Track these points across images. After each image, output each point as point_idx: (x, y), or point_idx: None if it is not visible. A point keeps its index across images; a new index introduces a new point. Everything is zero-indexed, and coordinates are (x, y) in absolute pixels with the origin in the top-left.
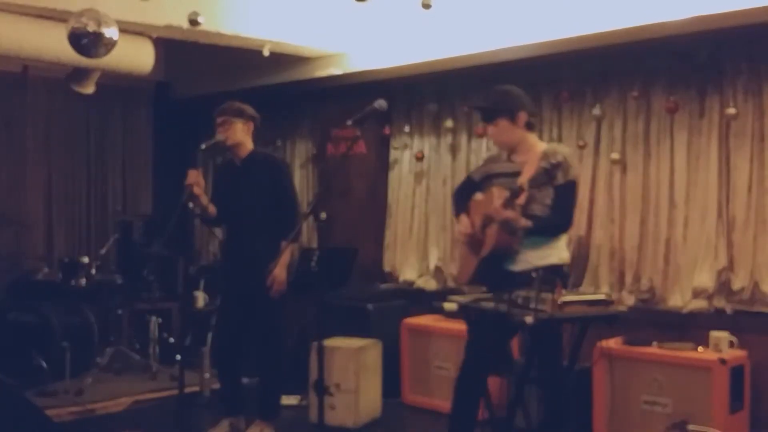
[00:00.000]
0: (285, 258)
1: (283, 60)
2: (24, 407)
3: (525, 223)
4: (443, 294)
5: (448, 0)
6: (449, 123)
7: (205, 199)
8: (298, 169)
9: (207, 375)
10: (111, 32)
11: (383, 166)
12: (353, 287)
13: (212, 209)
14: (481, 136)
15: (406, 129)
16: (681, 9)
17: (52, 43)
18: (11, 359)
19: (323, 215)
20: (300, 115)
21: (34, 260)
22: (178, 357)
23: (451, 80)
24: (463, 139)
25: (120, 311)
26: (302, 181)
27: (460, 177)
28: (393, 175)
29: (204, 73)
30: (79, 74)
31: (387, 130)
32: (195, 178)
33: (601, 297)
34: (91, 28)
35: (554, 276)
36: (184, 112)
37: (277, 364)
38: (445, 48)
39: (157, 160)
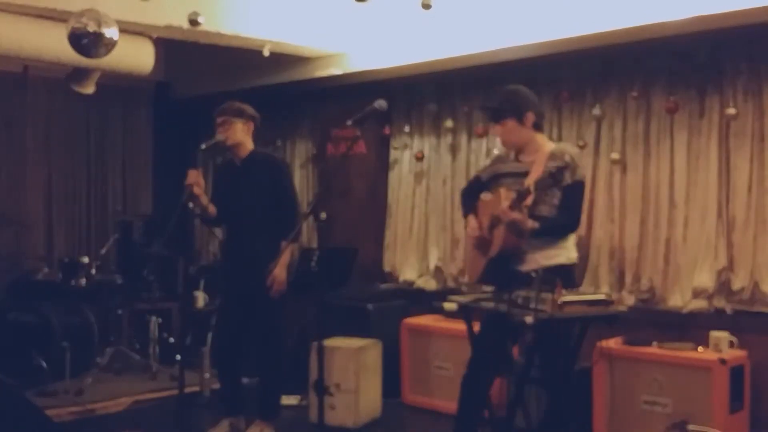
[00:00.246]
0: (285, 258)
1: (283, 60)
2: (24, 407)
3: (532, 224)
4: (443, 294)
5: (448, 0)
6: (449, 123)
7: (205, 199)
8: (298, 169)
9: (207, 375)
10: (111, 32)
11: (383, 166)
12: (353, 287)
13: (212, 209)
14: (481, 136)
15: (406, 129)
16: (681, 9)
17: (52, 43)
18: (11, 359)
19: (323, 215)
20: (300, 115)
21: (34, 260)
22: (178, 357)
23: (451, 80)
24: (463, 139)
25: (120, 311)
26: (302, 181)
27: (460, 177)
28: (393, 175)
29: (204, 73)
30: (79, 74)
31: (387, 130)
32: (195, 178)
33: (601, 297)
34: (91, 28)
35: (555, 276)
36: (184, 112)
37: (277, 364)
38: (445, 48)
39: (157, 160)
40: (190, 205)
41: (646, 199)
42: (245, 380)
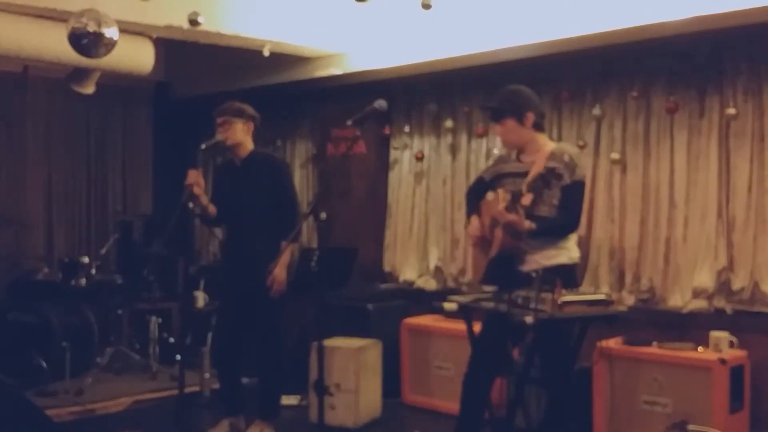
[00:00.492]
0: (285, 258)
1: (283, 60)
2: (24, 407)
3: (529, 225)
4: (443, 294)
5: (448, 0)
6: (449, 123)
7: (205, 199)
8: (298, 169)
9: (207, 375)
10: (111, 32)
11: (383, 166)
12: (353, 287)
13: (212, 209)
14: (481, 136)
15: (406, 129)
16: (681, 9)
17: (52, 43)
18: (11, 359)
19: (323, 215)
20: (300, 115)
21: (34, 260)
22: (178, 357)
23: (451, 80)
24: (463, 139)
25: (120, 311)
26: (302, 181)
27: (460, 177)
28: (393, 175)
29: (204, 73)
30: (79, 74)
31: (387, 130)
32: (195, 178)
33: (601, 297)
34: (91, 28)
35: (555, 276)
36: (184, 112)
37: (277, 364)
38: (445, 48)
39: (157, 160)
40: (190, 205)
41: (646, 199)
42: (245, 380)
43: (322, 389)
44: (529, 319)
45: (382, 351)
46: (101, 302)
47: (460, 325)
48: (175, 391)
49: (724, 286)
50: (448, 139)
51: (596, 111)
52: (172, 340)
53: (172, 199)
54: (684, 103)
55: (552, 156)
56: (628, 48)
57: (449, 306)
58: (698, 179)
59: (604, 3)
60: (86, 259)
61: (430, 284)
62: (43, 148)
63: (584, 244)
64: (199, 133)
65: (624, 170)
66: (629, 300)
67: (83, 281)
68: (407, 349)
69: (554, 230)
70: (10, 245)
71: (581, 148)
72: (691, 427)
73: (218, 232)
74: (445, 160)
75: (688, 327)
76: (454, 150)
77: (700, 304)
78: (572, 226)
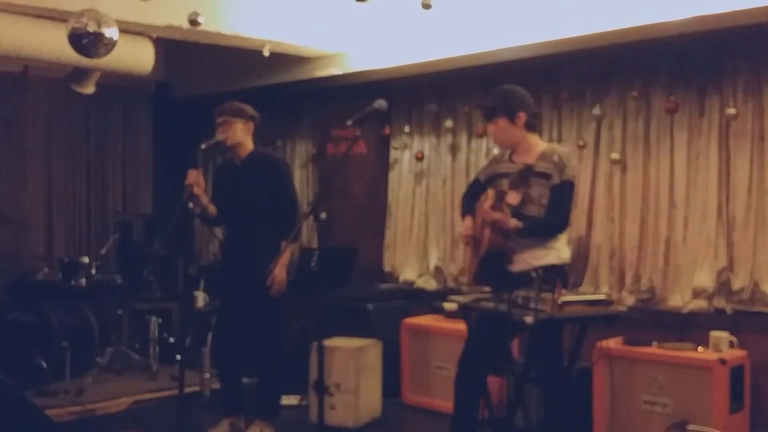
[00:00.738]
0: (285, 258)
1: (283, 60)
2: (24, 407)
3: (515, 224)
4: (443, 294)
5: (448, 0)
6: (449, 123)
7: (205, 199)
8: (298, 169)
9: (207, 375)
10: (111, 32)
11: (383, 166)
12: (353, 287)
13: (212, 209)
14: (480, 136)
15: (406, 129)
16: (681, 9)
17: (52, 43)
18: (11, 359)
19: (323, 215)
20: (300, 115)
21: (34, 260)
22: (178, 357)
23: (451, 80)
24: (463, 139)
25: (120, 311)
26: (302, 181)
27: (460, 177)
28: (393, 175)
29: (204, 73)
30: (79, 74)
31: (387, 130)
32: (195, 178)
33: (601, 297)
34: (91, 28)
35: (554, 276)
36: (184, 112)
37: (277, 364)
38: (445, 48)
39: (157, 160)
40: (190, 205)
41: (646, 199)
42: (245, 380)
43: (322, 389)
44: (529, 319)
45: (382, 351)
46: (101, 302)
47: (460, 325)
48: (175, 391)
49: (724, 286)
50: (448, 139)
51: (596, 111)
52: (172, 340)
53: (172, 199)
54: (684, 103)
55: (542, 156)
56: (628, 48)
57: (449, 306)
58: (698, 179)
59: (604, 3)
60: (86, 259)
61: (430, 284)
62: (43, 148)
63: (584, 244)
64: (199, 133)
65: (624, 170)
66: (629, 300)
67: (83, 281)
68: (407, 349)
69: (542, 230)
70: (10, 245)
71: (581, 148)
72: (691, 427)
73: (218, 232)
74: (445, 160)
75: (688, 327)
76: (454, 150)
77: (700, 304)
78: (560, 226)
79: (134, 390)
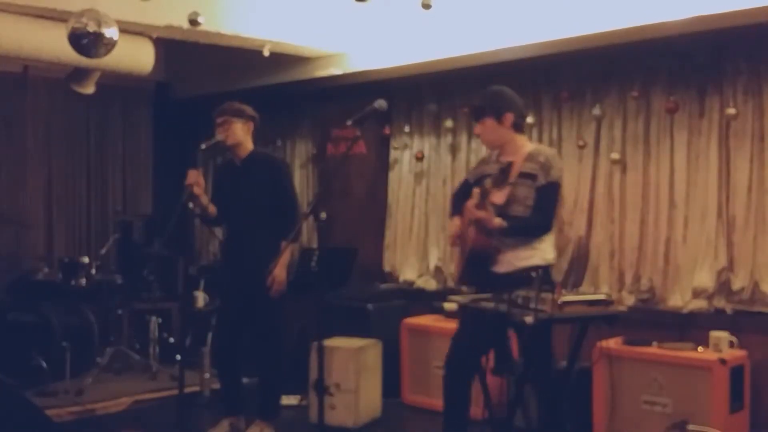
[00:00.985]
0: (285, 258)
1: (283, 60)
2: (24, 407)
3: (499, 223)
4: (443, 294)
5: (448, 0)
6: (449, 123)
7: (205, 199)
8: (298, 169)
9: (207, 375)
10: (111, 32)
11: (383, 166)
12: (353, 287)
13: (212, 209)
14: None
15: (406, 129)
16: (681, 9)
17: (52, 43)
18: (11, 359)
19: (323, 215)
20: (300, 115)
21: (34, 260)
22: (178, 357)
23: (451, 80)
24: (463, 139)
25: (120, 311)
26: (302, 181)
27: (460, 177)
28: (393, 175)
29: (204, 73)
30: (79, 74)
31: (387, 130)
32: (195, 178)
33: (601, 297)
34: (91, 28)
35: (540, 277)
36: (184, 112)
37: (277, 364)
38: (445, 48)
39: (157, 160)
40: (190, 205)
41: (646, 199)
42: (245, 380)
43: (322, 389)
44: (529, 319)
45: (382, 351)
46: (101, 302)
47: None
48: (175, 391)
49: (724, 286)
50: (448, 139)
51: (596, 111)
52: (172, 340)
53: (172, 199)
54: (684, 103)
55: (529, 157)
56: (628, 48)
57: (449, 306)
58: (698, 179)
59: (604, 3)
60: (86, 259)
61: (430, 284)
62: (43, 148)
63: (584, 244)
64: (199, 133)
65: (624, 170)
66: (629, 300)
67: (83, 281)
68: (407, 349)
69: (527, 230)
70: (10, 245)
71: (581, 148)
72: (691, 427)
73: (218, 232)
74: (445, 160)
75: (688, 327)
76: (454, 150)
77: (700, 304)
78: (545, 227)
79: (134, 390)
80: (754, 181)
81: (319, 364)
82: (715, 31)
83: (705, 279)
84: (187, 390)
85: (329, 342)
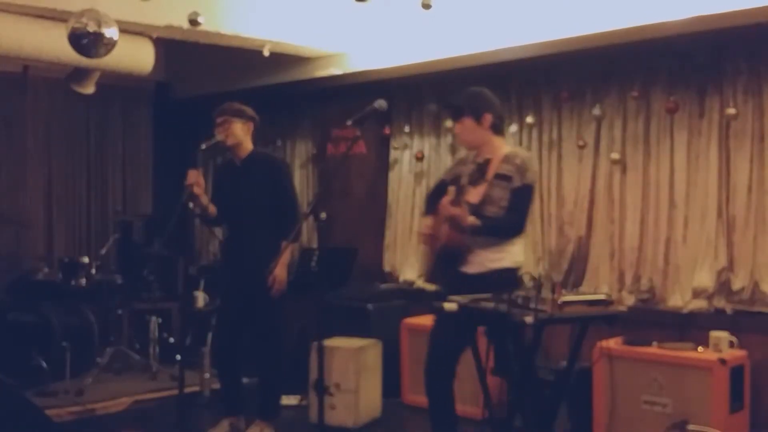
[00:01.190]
0: (285, 258)
1: (283, 60)
2: (24, 407)
3: (472, 221)
4: (443, 294)
5: (449, 0)
6: (449, 123)
7: (205, 199)
8: (298, 169)
9: (207, 375)
10: (111, 32)
11: (383, 166)
12: (353, 287)
13: (212, 209)
14: None
15: (406, 129)
16: (681, 9)
17: (52, 43)
18: (11, 359)
19: (323, 215)
20: (300, 115)
21: (34, 260)
22: (178, 357)
23: (451, 80)
24: None
25: (120, 311)
26: (302, 181)
27: None
28: (393, 175)
29: (204, 73)
30: (79, 74)
31: (387, 130)
32: (195, 178)
33: (601, 297)
34: (91, 28)
35: (509, 279)
36: (184, 112)
37: (277, 364)
38: (445, 48)
39: (157, 160)
40: (190, 205)
41: (646, 199)
42: (245, 380)
43: (322, 389)
44: (529, 319)
45: (382, 351)
46: (101, 302)
47: None
48: (175, 391)
49: (724, 286)
50: (448, 139)
51: (596, 111)
52: (172, 340)
53: (172, 199)
54: (684, 103)
55: (505, 159)
56: (628, 48)
57: (449, 306)
58: (698, 179)
59: (604, 3)
60: (86, 259)
61: (429, 284)
62: (43, 148)
63: (584, 244)
64: (199, 133)
65: (624, 170)
66: (629, 300)
67: (83, 281)
68: (407, 349)
69: (499, 230)
70: (10, 245)
71: (581, 148)
72: (691, 427)
73: (218, 232)
74: (445, 160)
75: (688, 327)
76: (454, 150)
77: (700, 304)
78: (517, 229)
79: (134, 390)
80: (754, 181)
81: (319, 364)
82: (715, 31)
83: (705, 279)
84: (187, 390)
85: (329, 342)
